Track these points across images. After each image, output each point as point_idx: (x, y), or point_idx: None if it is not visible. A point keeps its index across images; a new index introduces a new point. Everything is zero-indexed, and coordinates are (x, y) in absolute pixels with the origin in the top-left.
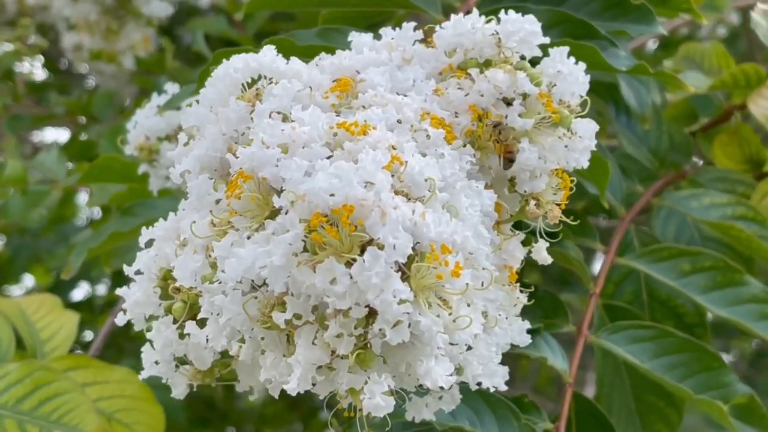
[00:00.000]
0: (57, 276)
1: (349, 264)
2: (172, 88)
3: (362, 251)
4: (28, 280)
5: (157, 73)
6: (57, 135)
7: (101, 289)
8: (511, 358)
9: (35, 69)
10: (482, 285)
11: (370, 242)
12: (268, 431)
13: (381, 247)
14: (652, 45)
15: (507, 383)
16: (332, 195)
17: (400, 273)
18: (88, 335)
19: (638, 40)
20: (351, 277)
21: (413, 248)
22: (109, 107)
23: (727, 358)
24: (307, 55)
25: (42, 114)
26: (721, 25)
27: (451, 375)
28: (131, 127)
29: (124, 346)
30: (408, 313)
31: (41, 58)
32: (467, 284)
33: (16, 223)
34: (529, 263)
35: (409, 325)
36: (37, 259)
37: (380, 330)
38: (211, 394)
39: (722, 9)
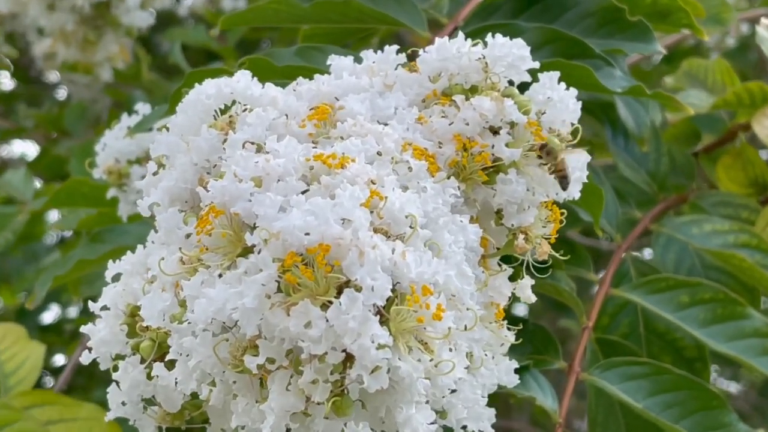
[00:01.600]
0: (40, 299)
1: (324, 306)
2: (143, 108)
3: (339, 293)
4: None
5: (133, 85)
6: (25, 148)
7: (73, 312)
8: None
9: (3, 78)
10: (466, 327)
11: (347, 284)
12: None
13: (359, 289)
14: (656, 57)
15: (503, 414)
16: (307, 234)
17: (378, 316)
18: (59, 359)
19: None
20: (327, 321)
21: (392, 290)
22: (81, 120)
23: (736, 387)
24: (286, 75)
25: (10, 128)
26: (729, 35)
27: (432, 423)
28: (100, 149)
29: (95, 372)
30: (387, 358)
31: (11, 65)
32: (449, 328)
33: None
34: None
35: (389, 371)
36: (4, 280)
37: (358, 376)
38: None
39: (727, 23)
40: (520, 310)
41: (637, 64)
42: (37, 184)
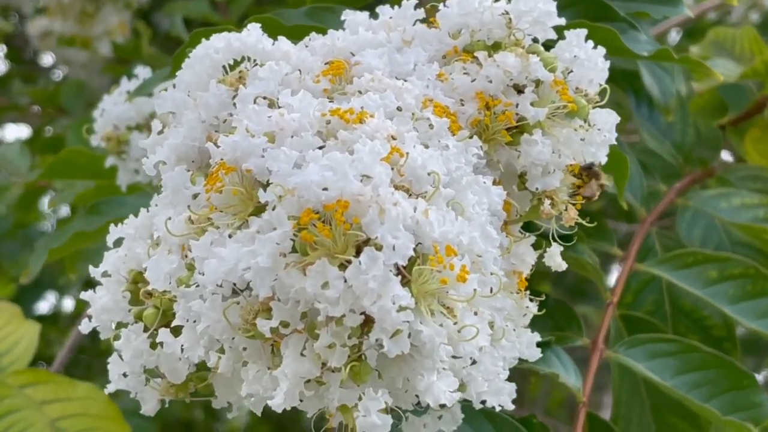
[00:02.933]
0: (20, 285)
1: (343, 266)
2: (143, 72)
3: (358, 252)
4: None
5: (132, 61)
6: (19, 132)
7: (69, 304)
8: (521, 377)
9: None
10: (491, 292)
11: (367, 242)
12: None
13: (379, 248)
14: (675, 35)
15: (515, 405)
16: (325, 189)
17: (399, 277)
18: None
19: (659, 26)
20: (345, 281)
21: (415, 249)
22: (78, 98)
23: (758, 378)
24: (295, 36)
25: (6, 104)
26: (754, 10)
27: (454, 391)
28: (98, 115)
29: (93, 363)
30: (408, 321)
31: (3, 47)
32: (474, 290)
33: None
34: (539, 271)
35: (410, 335)
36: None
37: (377, 340)
38: (189, 416)
39: None
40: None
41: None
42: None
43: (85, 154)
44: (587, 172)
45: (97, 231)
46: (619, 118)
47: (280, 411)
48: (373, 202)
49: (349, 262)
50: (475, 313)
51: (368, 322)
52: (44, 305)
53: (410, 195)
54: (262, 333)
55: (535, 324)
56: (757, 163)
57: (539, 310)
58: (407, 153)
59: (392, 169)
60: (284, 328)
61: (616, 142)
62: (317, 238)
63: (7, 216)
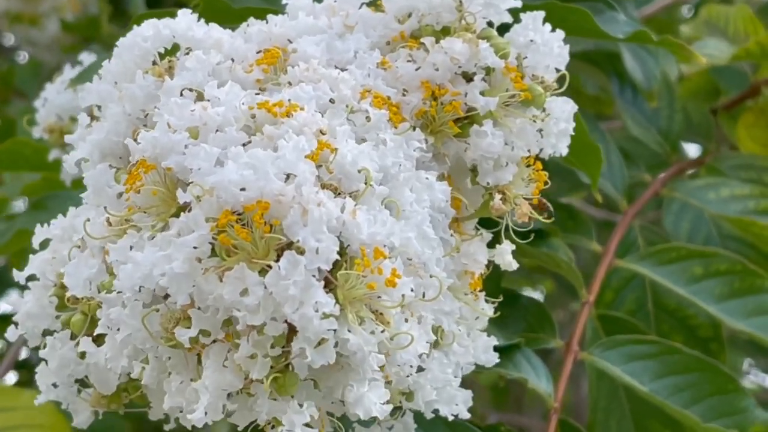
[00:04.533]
0: None
1: (263, 272)
2: (87, 58)
3: (279, 256)
4: None
5: (92, 41)
6: None
7: None
8: (518, 383)
9: None
10: (423, 297)
11: (289, 245)
12: None
13: (301, 252)
14: (687, 12)
15: (514, 409)
16: (243, 189)
17: (323, 282)
18: (34, 356)
19: (661, 2)
20: (265, 287)
21: (341, 253)
22: (35, 80)
23: (765, 378)
24: (244, 18)
25: None
26: None
27: (386, 403)
28: (40, 105)
29: None
30: (333, 330)
31: None
32: (403, 296)
33: None
34: (540, 267)
35: (336, 344)
36: None
37: (300, 350)
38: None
39: None
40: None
41: (660, 15)
42: None
43: (30, 145)
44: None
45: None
46: (576, 107)
47: (201, 426)
48: (295, 202)
49: (270, 267)
50: (407, 320)
51: (293, 329)
52: (4, 306)
53: (339, 194)
54: (181, 342)
55: (507, 326)
56: (750, 150)
57: (509, 315)
58: (337, 149)
59: (320, 166)
60: (205, 337)
61: (584, 133)
62: (236, 241)
63: None
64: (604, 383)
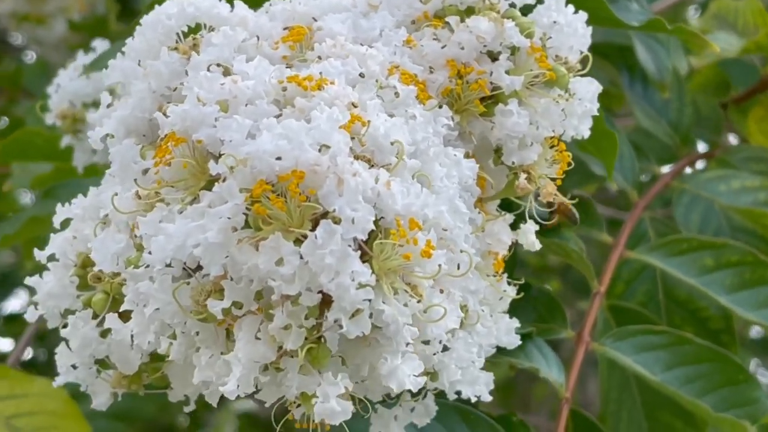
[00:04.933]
0: None
1: (298, 241)
2: (101, 45)
3: (315, 226)
4: None
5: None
6: None
7: None
8: (527, 380)
9: None
10: (458, 270)
11: (325, 215)
12: None
13: (337, 221)
14: (694, 13)
15: (521, 408)
16: (279, 159)
17: (359, 252)
18: (40, 354)
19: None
20: (301, 257)
21: (376, 223)
22: (42, 78)
23: None
24: (260, 3)
25: None
26: None
27: (420, 376)
28: (53, 91)
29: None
30: (369, 300)
31: None
32: (439, 266)
33: None
34: (545, 266)
35: (371, 315)
36: None
37: (336, 321)
38: (172, 422)
39: None
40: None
41: (669, 11)
42: None
43: (42, 135)
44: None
45: (52, 215)
46: (600, 87)
47: (233, 398)
48: (330, 172)
49: (305, 236)
50: (442, 292)
51: (326, 301)
52: (15, 303)
53: (372, 166)
54: (214, 315)
55: (517, 314)
56: (760, 143)
57: (517, 294)
58: (369, 121)
59: (353, 138)
60: (237, 309)
61: (600, 120)
62: (271, 211)
63: None
64: (616, 374)
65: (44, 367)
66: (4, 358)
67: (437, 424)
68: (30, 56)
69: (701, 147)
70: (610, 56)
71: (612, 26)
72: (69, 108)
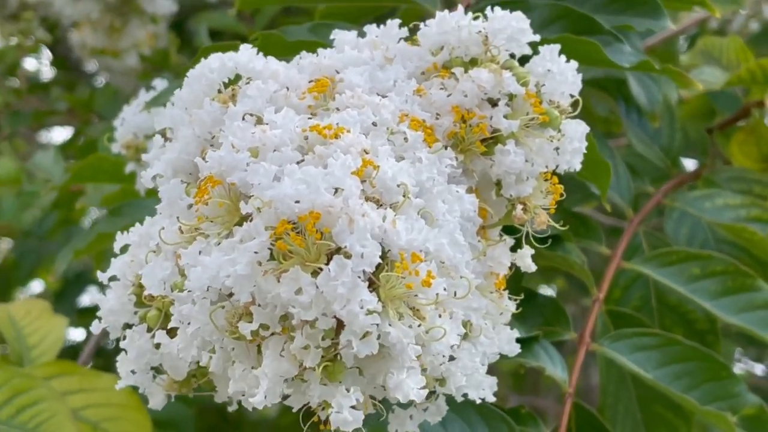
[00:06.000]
0: (66, 280)
1: (315, 273)
2: (160, 84)
3: (329, 260)
4: (38, 285)
5: (162, 69)
6: (64, 134)
7: None
8: (536, 370)
9: (42, 66)
10: (455, 295)
11: (338, 251)
12: None
13: (348, 256)
14: (683, 42)
15: (531, 392)
16: (298, 202)
17: (367, 282)
18: (110, 344)
19: (662, 34)
20: (317, 287)
21: (382, 257)
22: (113, 104)
23: (760, 368)
24: (298, 51)
25: (44, 110)
26: (754, 20)
27: (423, 388)
28: (118, 124)
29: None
30: (376, 324)
31: (49, 54)
32: (437, 294)
33: (19, 228)
34: (551, 267)
35: (379, 337)
36: (43, 262)
37: (348, 342)
38: (223, 405)
39: (742, 2)
40: (545, 290)
41: (660, 46)
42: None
43: (109, 160)
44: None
45: (121, 230)
46: (588, 128)
47: (260, 408)
48: (342, 213)
49: (321, 269)
50: (441, 315)
51: (340, 324)
52: (86, 298)
53: (381, 205)
54: (244, 335)
55: (524, 320)
56: (742, 164)
57: (519, 308)
58: (379, 166)
59: (364, 181)
60: (264, 330)
61: (595, 151)
62: (291, 247)
63: (48, 217)
64: (613, 371)
65: (112, 355)
66: (77, 347)
67: (457, 417)
68: (100, 81)
69: (690, 167)
70: (609, 89)
71: (607, 67)
72: (132, 139)
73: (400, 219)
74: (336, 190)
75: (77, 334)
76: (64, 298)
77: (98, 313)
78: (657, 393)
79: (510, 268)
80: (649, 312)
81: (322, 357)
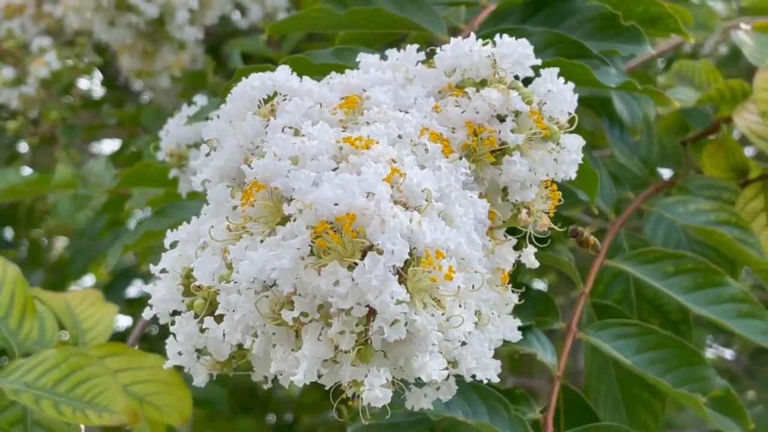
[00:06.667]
0: (115, 273)
1: (351, 267)
2: (200, 100)
3: (363, 256)
4: (89, 279)
5: (200, 88)
6: (112, 147)
7: None
8: (530, 354)
9: (94, 85)
10: (473, 287)
11: (371, 248)
12: (306, 418)
13: (380, 252)
14: (661, 63)
15: (526, 374)
16: (336, 204)
17: (397, 276)
18: (153, 330)
19: (642, 57)
20: (352, 280)
21: (410, 253)
22: (157, 119)
23: (728, 353)
24: (323, 72)
25: (95, 124)
26: (722, 44)
27: (444, 369)
28: (163, 135)
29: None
30: (404, 312)
31: (100, 75)
32: (458, 287)
33: (74, 227)
34: (544, 265)
35: (406, 324)
36: (94, 259)
37: (379, 328)
38: (253, 384)
39: (713, 29)
40: (538, 285)
41: (640, 68)
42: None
43: (155, 167)
44: (577, 239)
45: (163, 229)
46: (584, 142)
47: (300, 385)
48: (375, 214)
49: (356, 264)
50: (461, 305)
51: (372, 313)
52: (133, 290)
53: (407, 208)
54: (286, 321)
55: (520, 311)
56: (712, 174)
57: (520, 300)
58: (405, 173)
59: (392, 187)
60: (304, 317)
61: (585, 161)
62: (330, 244)
63: (99, 218)
64: (597, 357)
65: (155, 340)
66: (124, 333)
67: (459, 397)
68: (145, 99)
69: (666, 176)
70: (594, 107)
71: (596, 87)
72: (176, 148)
73: (424, 220)
74: (368, 194)
75: (125, 321)
76: (113, 290)
77: (149, 301)
78: (635, 376)
79: (513, 264)
80: (628, 304)
81: (356, 341)
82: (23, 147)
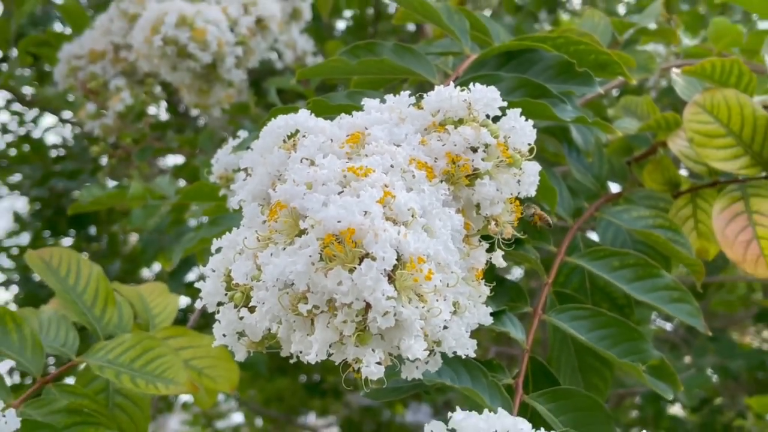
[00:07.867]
0: (176, 263)
1: (351, 271)
2: (243, 134)
3: (360, 262)
4: (157, 266)
5: (244, 117)
6: (175, 161)
7: None
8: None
9: (160, 113)
10: (447, 285)
11: (367, 255)
12: (330, 378)
13: (374, 259)
14: (615, 92)
15: (505, 344)
16: (339, 222)
17: (387, 278)
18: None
19: (593, 94)
20: (352, 281)
21: (398, 259)
22: (211, 141)
23: (669, 325)
24: (338, 111)
25: (162, 147)
26: (663, 79)
27: (426, 350)
28: (214, 162)
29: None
30: (393, 306)
31: (165, 104)
32: (436, 285)
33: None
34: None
35: (395, 315)
36: (162, 250)
37: (373, 318)
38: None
39: (652, 71)
40: (516, 274)
41: (596, 100)
42: (181, 185)
43: (208, 186)
44: (530, 216)
45: (215, 236)
46: (539, 167)
47: (313, 363)
48: (370, 229)
49: (355, 268)
50: (439, 299)
51: (368, 306)
52: (192, 275)
53: (396, 224)
54: (302, 312)
55: (496, 298)
56: (651, 187)
57: (492, 292)
58: (395, 196)
59: (385, 207)
60: (316, 309)
61: (546, 180)
62: (334, 253)
63: (164, 221)
64: (558, 334)
65: (210, 317)
66: (186, 311)
67: (447, 367)
68: (202, 124)
69: (615, 189)
70: (557, 134)
71: (555, 121)
72: (224, 172)
73: (409, 233)
74: (366, 213)
75: (185, 301)
76: (176, 275)
77: (200, 294)
78: (588, 349)
79: (486, 264)
80: (584, 292)
81: (356, 328)
82: (104, 160)
